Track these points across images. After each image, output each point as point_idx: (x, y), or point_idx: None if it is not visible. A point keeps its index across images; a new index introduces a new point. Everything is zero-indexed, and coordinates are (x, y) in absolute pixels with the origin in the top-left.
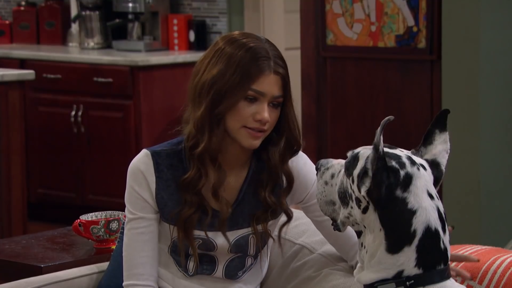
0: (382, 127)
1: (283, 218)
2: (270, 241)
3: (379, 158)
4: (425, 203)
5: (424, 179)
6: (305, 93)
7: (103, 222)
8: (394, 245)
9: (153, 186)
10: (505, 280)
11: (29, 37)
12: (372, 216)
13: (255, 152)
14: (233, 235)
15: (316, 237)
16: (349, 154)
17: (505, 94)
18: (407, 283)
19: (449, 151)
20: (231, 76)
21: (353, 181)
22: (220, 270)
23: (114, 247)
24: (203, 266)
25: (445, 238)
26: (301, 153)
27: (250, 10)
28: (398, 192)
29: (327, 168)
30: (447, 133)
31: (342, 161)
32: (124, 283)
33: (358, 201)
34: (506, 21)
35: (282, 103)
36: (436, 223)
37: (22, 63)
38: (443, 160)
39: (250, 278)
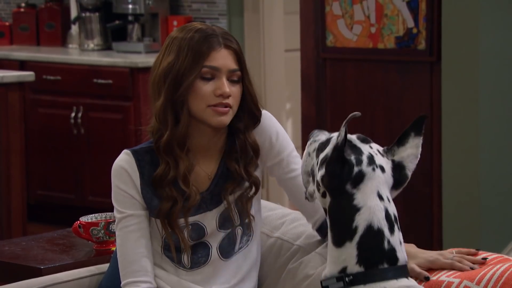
0: (348, 120)
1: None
2: (259, 224)
3: (336, 148)
4: (371, 202)
5: (376, 181)
6: (304, 94)
7: (102, 223)
8: (337, 238)
9: (138, 182)
10: (503, 279)
11: (29, 38)
12: (328, 203)
13: (228, 137)
14: (217, 211)
15: (314, 239)
16: (325, 135)
17: (505, 95)
18: (346, 278)
19: (419, 156)
20: (184, 58)
21: (317, 164)
22: (215, 253)
23: (114, 248)
24: (198, 255)
25: (392, 238)
26: (266, 113)
27: (250, 12)
28: (348, 187)
29: (315, 141)
30: (421, 138)
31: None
32: (122, 283)
33: (318, 185)
34: (506, 23)
35: (243, 78)
36: (380, 223)
37: (22, 65)
38: (410, 165)
39: (246, 257)
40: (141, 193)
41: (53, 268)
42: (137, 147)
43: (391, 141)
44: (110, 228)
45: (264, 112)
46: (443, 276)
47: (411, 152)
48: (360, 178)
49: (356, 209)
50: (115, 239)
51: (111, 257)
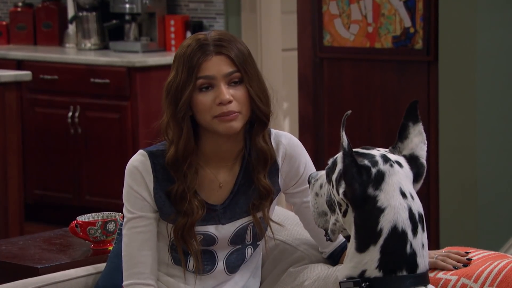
0: (343, 124)
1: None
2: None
3: (345, 155)
4: (395, 201)
5: (397, 177)
6: (301, 94)
7: (100, 223)
8: (361, 244)
9: (151, 185)
10: (501, 277)
11: (26, 38)
12: (351, 218)
13: (246, 144)
14: (233, 226)
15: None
16: (330, 161)
17: (502, 95)
18: (363, 284)
19: (426, 142)
20: (181, 74)
21: (333, 186)
22: (221, 266)
23: (111, 248)
24: (204, 262)
25: (415, 241)
26: (296, 140)
27: (247, 11)
28: (370, 190)
29: (317, 180)
30: (421, 124)
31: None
32: (124, 283)
33: (340, 205)
34: (503, 22)
35: (243, 79)
36: (404, 224)
37: (19, 64)
38: (422, 153)
39: (247, 268)
40: (153, 196)
41: (50, 268)
42: (154, 148)
43: (389, 141)
44: (107, 228)
45: (294, 138)
46: (441, 274)
47: (417, 140)
48: (380, 177)
49: (380, 211)
50: (113, 239)
51: (108, 256)
